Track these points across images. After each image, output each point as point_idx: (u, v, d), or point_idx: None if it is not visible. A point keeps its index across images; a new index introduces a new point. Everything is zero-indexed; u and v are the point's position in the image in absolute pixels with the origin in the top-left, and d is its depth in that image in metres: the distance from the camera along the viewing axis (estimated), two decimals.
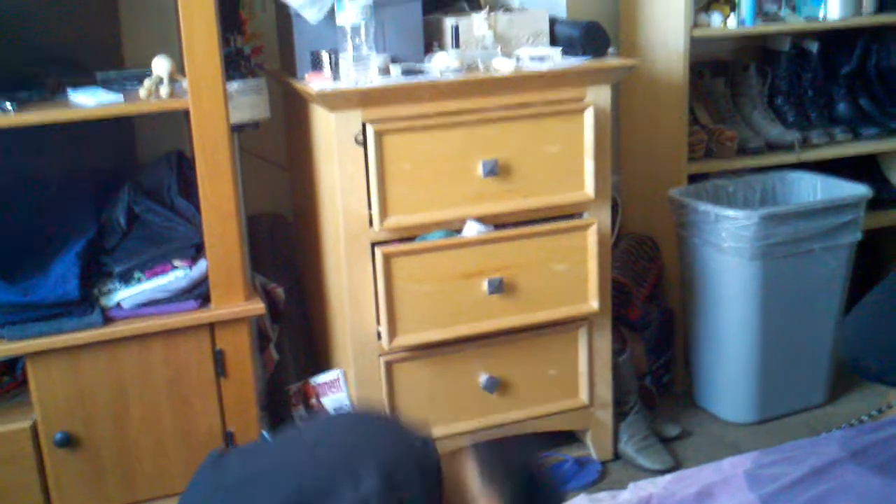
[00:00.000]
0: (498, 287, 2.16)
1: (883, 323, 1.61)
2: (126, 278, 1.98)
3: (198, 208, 2.00)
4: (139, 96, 1.93)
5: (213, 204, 1.97)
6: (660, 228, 2.74)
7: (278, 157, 2.54)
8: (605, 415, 2.40)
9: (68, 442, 1.95)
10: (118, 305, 1.97)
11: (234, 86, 2.14)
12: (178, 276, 1.99)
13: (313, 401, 2.29)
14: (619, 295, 2.50)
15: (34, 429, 1.94)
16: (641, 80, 2.69)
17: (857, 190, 2.58)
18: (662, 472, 2.34)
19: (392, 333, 2.10)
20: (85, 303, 1.93)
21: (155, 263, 1.99)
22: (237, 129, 2.17)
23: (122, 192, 2.07)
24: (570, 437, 2.45)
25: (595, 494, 1.12)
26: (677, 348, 2.76)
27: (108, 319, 1.95)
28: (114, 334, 1.94)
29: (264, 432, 2.15)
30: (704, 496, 1.12)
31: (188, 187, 2.09)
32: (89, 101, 1.90)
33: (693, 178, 2.69)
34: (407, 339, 2.12)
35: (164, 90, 1.93)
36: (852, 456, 1.19)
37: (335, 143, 2.03)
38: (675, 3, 2.55)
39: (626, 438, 2.44)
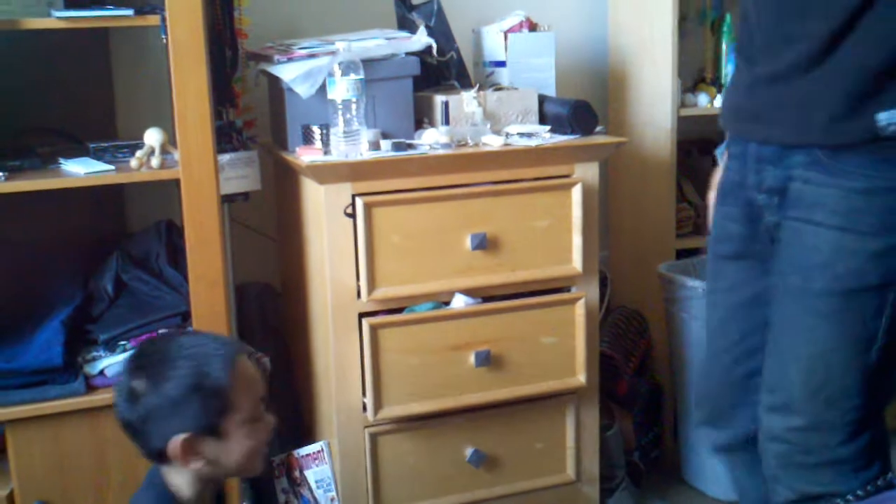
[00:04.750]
0: (485, 360, 2.15)
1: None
2: (111, 347, 1.98)
3: (186, 277, 2.00)
4: (130, 166, 1.95)
5: (200, 273, 1.97)
6: (648, 303, 2.75)
7: (268, 227, 2.56)
8: (593, 491, 2.38)
9: None
10: (102, 373, 1.96)
11: (225, 158, 2.16)
12: None
13: (296, 473, 2.27)
14: (608, 369, 2.50)
15: (10, 498, 1.92)
16: (630, 157, 2.73)
17: None
18: None
19: (377, 405, 2.09)
20: (68, 370, 1.93)
21: (141, 332, 1.99)
22: (228, 200, 2.19)
23: (110, 260, 2.09)
24: None
25: None
26: (666, 424, 2.74)
27: (91, 387, 1.94)
28: (96, 402, 1.93)
29: None
30: None
31: (177, 256, 2.10)
32: (80, 170, 1.92)
33: (681, 254, 2.70)
34: (392, 410, 2.11)
35: (155, 161, 1.95)
36: None
37: (325, 215, 2.04)
38: (662, 84, 2.60)
39: None
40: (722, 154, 1.81)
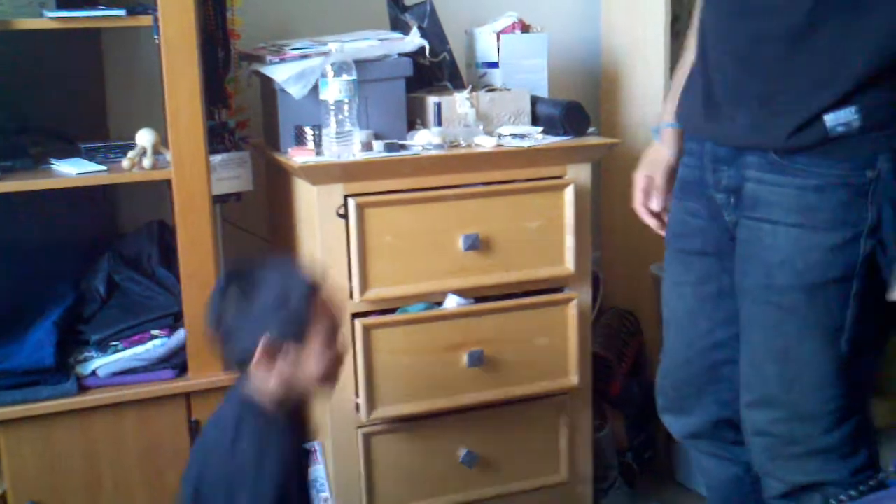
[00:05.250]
0: (478, 360, 2.15)
1: None
2: (103, 347, 1.98)
3: (178, 277, 2.00)
4: (122, 167, 1.95)
5: (192, 273, 1.98)
6: (641, 303, 2.75)
7: (260, 228, 2.56)
8: (586, 491, 2.38)
9: None
10: (94, 374, 1.96)
11: (217, 158, 2.16)
12: (155, 344, 2.00)
13: None
14: (600, 370, 2.50)
15: (3, 498, 1.92)
16: (622, 158, 2.73)
17: None
18: None
19: (370, 405, 2.09)
20: (60, 371, 1.92)
21: (133, 332, 1.99)
22: (220, 201, 2.19)
23: (102, 261, 2.09)
24: None
25: None
26: (658, 424, 2.74)
27: (82, 388, 1.94)
28: (88, 403, 1.94)
29: None
30: None
31: (169, 256, 2.10)
32: (72, 170, 1.92)
33: None
34: (386, 411, 2.11)
35: (147, 161, 1.95)
36: None
37: (317, 215, 2.04)
38: (655, 85, 2.61)
39: None
40: (658, 132, 1.88)
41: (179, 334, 2.00)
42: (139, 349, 1.98)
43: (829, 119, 1.47)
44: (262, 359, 1.50)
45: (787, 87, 1.51)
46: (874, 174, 1.47)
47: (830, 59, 1.47)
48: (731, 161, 1.61)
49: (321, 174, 2.02)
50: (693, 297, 1.76)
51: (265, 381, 1.53)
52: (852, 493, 1.57)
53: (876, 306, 1.53)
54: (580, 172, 2.22)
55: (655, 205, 1.88)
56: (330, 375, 1.59)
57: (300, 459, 1.65)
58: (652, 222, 1.91)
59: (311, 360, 1.54)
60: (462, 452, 2.22)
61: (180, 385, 1.99)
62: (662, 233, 1.90)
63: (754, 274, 1.58)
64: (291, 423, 1.59)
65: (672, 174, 1.85)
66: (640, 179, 1.89)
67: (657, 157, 1.88)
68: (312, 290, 1.54)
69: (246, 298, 1.51)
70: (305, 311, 1.52)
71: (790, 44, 1.50)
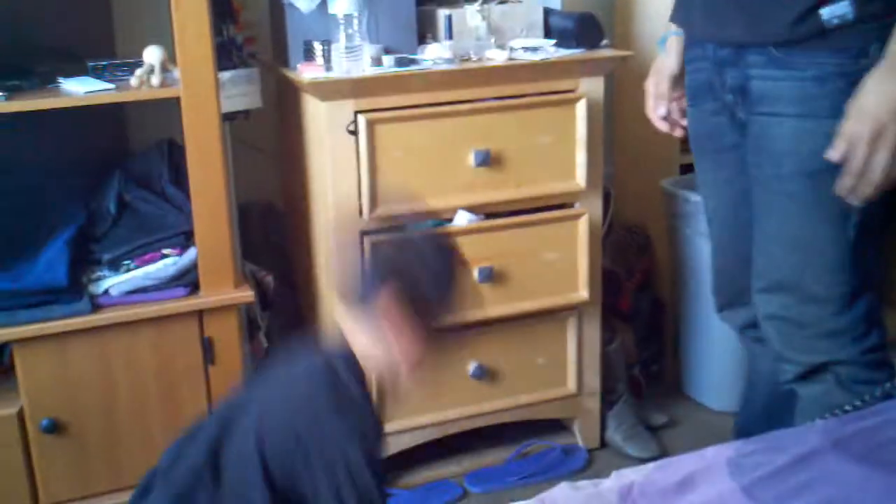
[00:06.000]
0: (488, 276, 2.16)
1: None
2: (115, 266, 1.98)
3: (189, 196, 2.00)
4: (130, 85, 1.93)
5: (203, 191, 1.97)
6: (652, 219, 2.75)
7: (269, 146, 2.54)
8: (593, 403, 2.41)
9: (55, 428, 1.95)
10: (106, 293, 1.97)
11: (226, 75, 2.13)
12: (167, 263, 2.00)
13: None
14: (610, 285, 2.51)
15: (20, 415, 1.95)
16: (636, 71, 2.68)
17: None
18: (649, 461, 2.36)
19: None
20: (73, 290, 1.93)
21: (144, 251, 1.99)
22: (229, 119, 2.17)
23: (112, 181, 2.08)
24: (557, 426, 2.46)
25: (577, 482, 1.13)
26: (667, 338, 2.77)
27: (96, 307, 1.95)
28: (101, 322, 1.94)
29: None
30: (686, 485, 1.13)
31: (179, 175, 2.09)
32: (80, 89, 1.90)
33: (686, 169, 2.69)
34: None
35: (155, 79, 1.93)
36: (835, 445, 1.20)
37: (326, 132, 2.03)
38: None
39: (614, 427, 2.45)
40: (664, 44, 1.93)
41: (191, 253, 2.00)
42: (151, 268, 1.98)
43: (825, 12, 1.53)
44: (385, 303, 1.33)
45: None
46: (868, 62, 1.53)
47: None
48: (734, 62, 1.68)
49: (331, 90, 2.00)
50: (730, 191, 1.83)
51: (370, 334, 1.37)
52: (866, 398, 1.61)
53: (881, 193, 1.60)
54: (593, 86, 2.20)
55: (662, 111, 1.95)
56: (406, 367, 1.40)
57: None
58: (662, 126, 1.97)
59: (407, 338, 1.37)
60: (472, 366, 2.25)
61: (193, 303, 2.00)
62: (676, 134, 1.99)
63: (764, 165, 1.67)
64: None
65: (676, 82, 1.91)
66: (649, 87, 1.96)
67: (661, 66, 1.94)
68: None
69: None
70: (442, 285, 1.39)
71: None
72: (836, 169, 1.55)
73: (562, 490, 1.12)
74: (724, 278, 1.94)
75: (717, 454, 1.21)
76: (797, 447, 1.20)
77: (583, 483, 1.14)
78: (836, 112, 1.54)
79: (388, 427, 2.22)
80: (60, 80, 1.97)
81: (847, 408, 1.56)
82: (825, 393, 1.68)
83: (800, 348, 1.69)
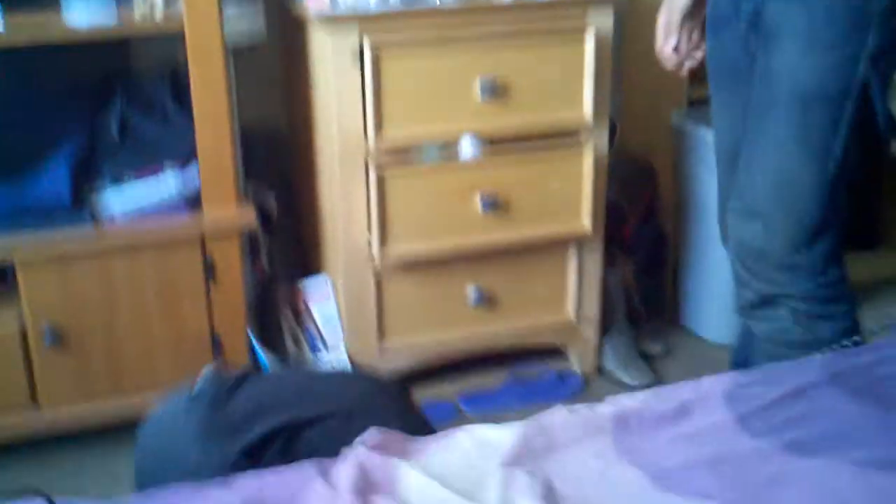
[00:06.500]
0: (492, 204, 2.16)
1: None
2: (117, 180, 1.97)
3: (192, 121, 1.98)
4: (134, 18, 1.90)
5: (206, 113, 1.96)
6: (658, 151, 2.73)
7: (274, 80, 2.51)
8: (591, 331, 2.43)
9: (57, 342, 1.97)
10: (109, 212, 1.97)
11: (230, 7, 2.10)
12: (169, 176, 1.99)
13: (301, 305, 2.31)
14: (613, 215, 2.50)
15: (23, 329, 1.96)
16: (648, 4, 2.64)
17: None
18: (643, 388, 2.38)
19: (383, 244, 2.11)
20: (76, 208, 1.93)
21: (146, 171, 1.98)
22: (233, 51, 2.14)
23: (115, 101, 2.06)
24: (554, 353, 2.48)
25: (573, 406, 1.14)
26: (667, 271, 2.77)
27: (98, 226, 1.95)
28: (105, 244, 1.96)
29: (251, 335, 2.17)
30: (681, 412, 1.14)
31: (183, 103, 2.07)
32: (83, 19, 1.87)
33: (694, 103, 2.66)
34: (398, 249, 2.13)
35: (158, 12, 1.90)
36: (831, 379, 1.21)
37: (332, 65, 2.01)
38: None
39: (610, 354, 2.47)
40: None
41: (193, 173, 2.00)
42: (153, 186, 1.98)
43: None
44: None
45: None
46: (878, 3, 1.53)
47: None
48: None
49: (337, 24, 1.98)
50: (743, 122, 1.80)
51: None
52: (818, 309, 1.67)
53: (862, 137, 1.63)
54: (602, 19, 2.16)
55: (672, 44, 1.92)
56: None
57: None
58: (670, 61, 1.94)
59: None
60: (472, 291, 2.26)
61: (195, 224, 2.00)
62: (683, 72, 1.98)
63: (761, 89, 1.67)
64: None
65: (687, 15, 1.88)
66: (660, 21, 1.92)
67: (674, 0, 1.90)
68: None
69: None
70: None
71: None
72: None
73: (558, 412, 1.13)
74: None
75: (714, 384, 1.22)
76: (794, 380, 1.21)
77: (578, 406, 1.15)
78: (839, 43, 1.55)
79: (387, 343, 2.25)
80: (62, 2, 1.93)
81: (845, 343, 1.58)
82: (781, 329, 1.71)
83: (759, 276, 1.71)
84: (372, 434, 1.14)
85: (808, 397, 1.17)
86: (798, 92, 1.60)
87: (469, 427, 1.15)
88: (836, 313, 1.68)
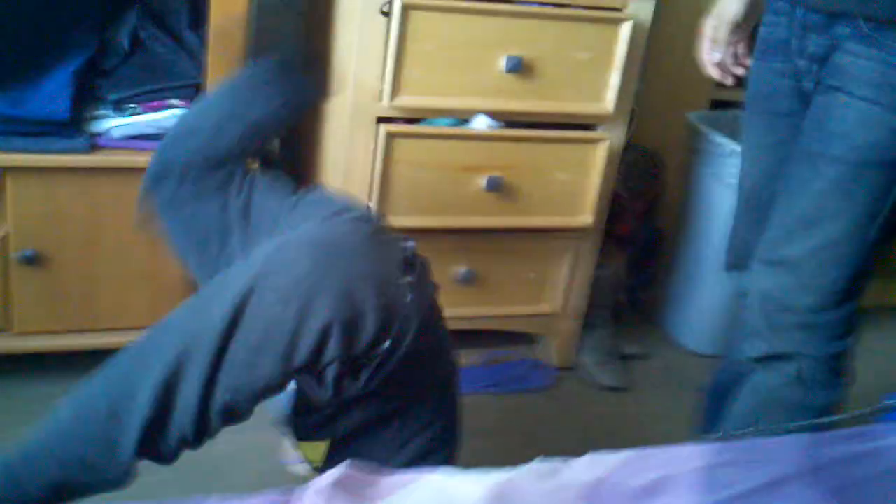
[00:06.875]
0: (496, 185, 2.11)
1: None
2: (120, 108, 1.91)
3: (206, 45, 1.91)
4: None
5: (221, 42, 1.88)
6: (670, 148, 2.68)
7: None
8: (573, 324, 2.41)
9: (36, 260, 1.93)
10: (107, 133, 1.91)
11: None
12: (174, 113, 1.93)
13: None
14: (613, 207, 2.46)
15: (4, 242, 1.91)
16: None
17: None
18: (614, 390, 2.38)
19: (381, 212, 2.07)
20: (73, 125, 1.86)
21: (151, 98, 1.91)
22: None
23: (129, 14, 1.97)
24: (533, 341, 2.47)
25: (549, 462, 1.11)
26: (658, 270, 2.75)
27: (94, 146, 1.89)
28: (98, 163, 1.89)
29: None
30: (654, 491, 1.12)
31: (199, 23, 1.99)
32: None
33: (716, 105, 2.61)
34: (395, 220, 2.08)
35: None
36: (812, 472, 1.19)
37: (358, 10, 1.93)
38: None
39: (588, 351, 2.46)
40: None
41: None
42: (156, 115, 1.92)
43: None
44: None
45: None
46: None
47: None
48: (823, 29, 1.56)
49: None
50: (773, 158, 1.75)
51: None
52: (824, 376, 1.63)
53: None
54: (642, 8, 2.10)
55: (716, 59, 1.84)
56: None
57: None
58: (713, 72, 1.87)
59: None
60: (461, 270, 2.22)
61: None
62: (728, 82, 1.89)
63: (814, 140, 1.58)
64: None
65: (736, 30, 1.80)
66: (707, 29, 1.83)
67: (723, 11, 1.81)
68: None
69: None
70: None
71: None
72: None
73: (526, 478, 1.10)
74: (740, 241, 1.89)
75: (693, 457, 1.20)
76: (773, 467, 1.19)
77: (547, 468, 1.13)
78: None
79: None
80: None
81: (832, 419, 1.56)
82: (783, 386, 1.67)
83: (778, 332, 1.65)
84: (334, 473, 1.10)
85: (785, 492, 1.15)
86: (854, 152, 1.52)
87: (436, 477, 1.11)
88: (838, 384, 1.65)
